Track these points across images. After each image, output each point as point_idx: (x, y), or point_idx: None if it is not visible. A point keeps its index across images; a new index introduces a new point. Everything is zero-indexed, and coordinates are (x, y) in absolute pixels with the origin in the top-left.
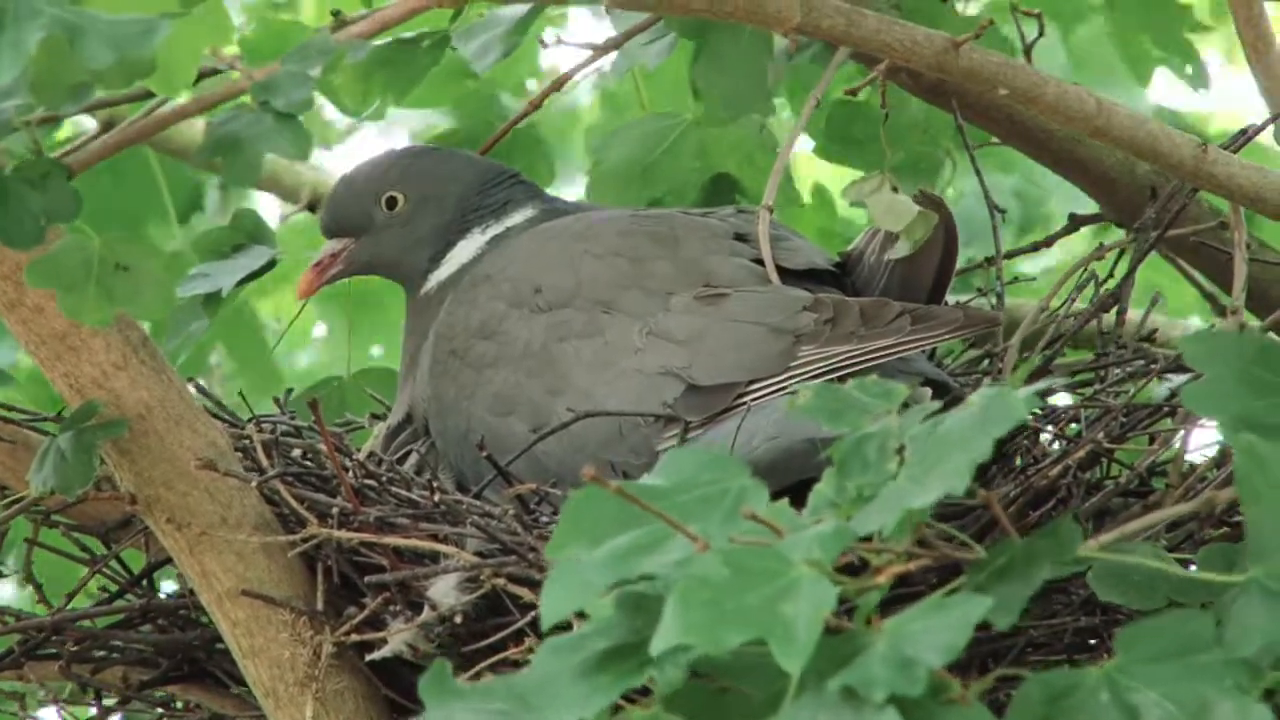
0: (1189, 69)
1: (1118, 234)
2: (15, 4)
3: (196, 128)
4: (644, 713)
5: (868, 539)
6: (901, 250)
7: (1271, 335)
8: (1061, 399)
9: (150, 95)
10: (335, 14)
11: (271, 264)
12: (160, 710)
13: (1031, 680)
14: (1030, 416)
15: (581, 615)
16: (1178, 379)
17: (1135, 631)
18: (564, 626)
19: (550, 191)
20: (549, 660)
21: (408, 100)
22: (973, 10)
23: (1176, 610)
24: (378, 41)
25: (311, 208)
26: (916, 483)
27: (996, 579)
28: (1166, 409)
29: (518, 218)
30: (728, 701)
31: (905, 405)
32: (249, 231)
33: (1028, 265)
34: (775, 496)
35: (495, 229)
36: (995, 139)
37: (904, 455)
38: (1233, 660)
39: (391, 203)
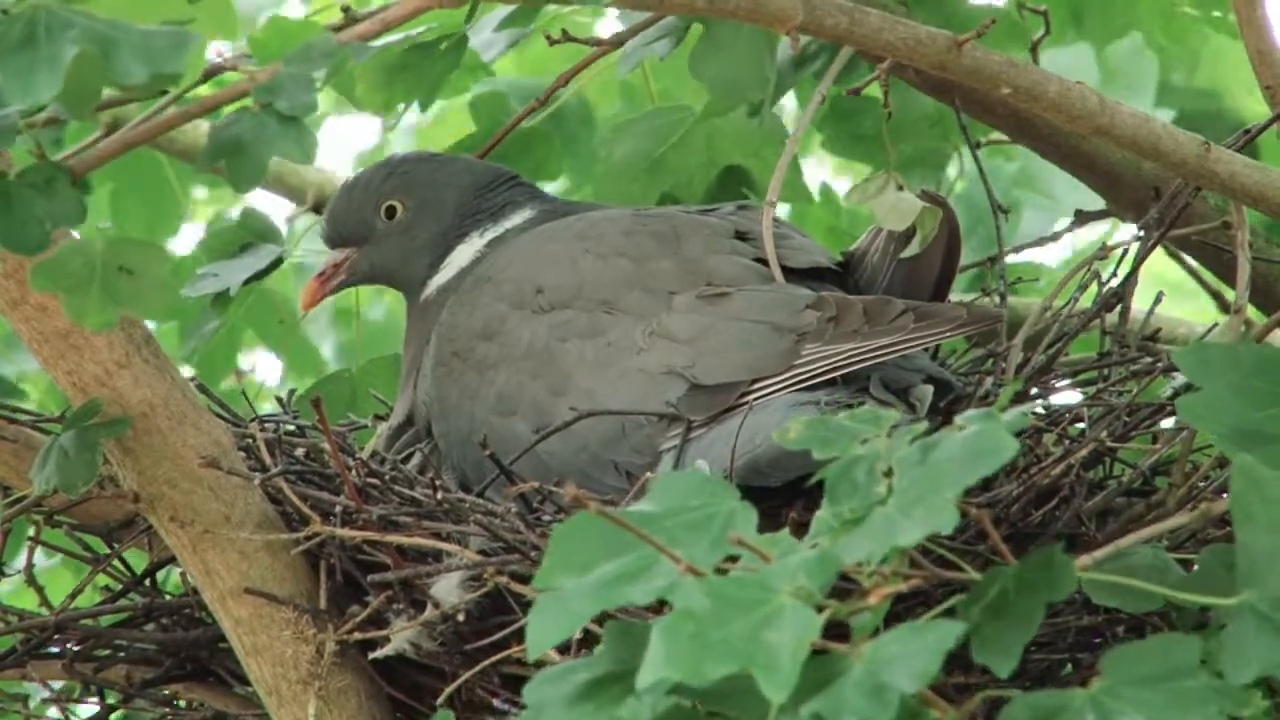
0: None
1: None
2: (46, 18)
3: (203, 130)
4: None
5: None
6: (914, 249)
7: (1270, 345)
8: (1066, 397)
9: (159, 93)
10: (345, 10)
11: (279, 262)
12: (164, 709)
13: (1017, 701)
14: (1031, 417)
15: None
16: (1181, 378)
17: (1122, 654)
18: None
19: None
20: (539, 691)
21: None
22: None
23: (1164, 634)
24: (386, 40)
25: (317, 209)
26: (905, 514)
27: (992, 615)
28: (1170, 408)
29: (516, 219)
30: None
31: (896, 426)
32: (256, 230)
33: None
34: (777, 491)
35: (494, 232)
36: (1003, 135)
37: (892, 478)
38: (1220, 686)
39: (391, 212)
